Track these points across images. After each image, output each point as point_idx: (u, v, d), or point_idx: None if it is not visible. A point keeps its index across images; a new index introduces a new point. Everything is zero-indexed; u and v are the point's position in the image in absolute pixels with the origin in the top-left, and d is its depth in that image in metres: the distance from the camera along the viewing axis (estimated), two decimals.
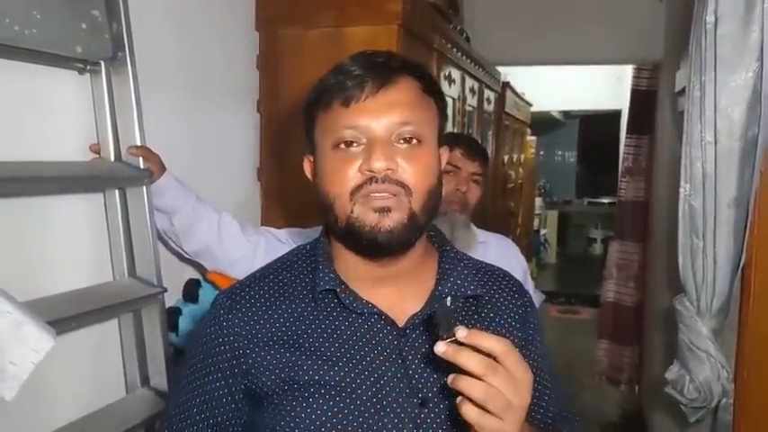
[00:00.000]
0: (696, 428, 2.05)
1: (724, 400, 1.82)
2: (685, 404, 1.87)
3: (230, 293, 0.90)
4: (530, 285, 1.82)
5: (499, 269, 0.99)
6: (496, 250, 1.75)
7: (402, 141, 0.81)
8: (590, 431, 3.35)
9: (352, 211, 0.80)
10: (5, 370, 0.51)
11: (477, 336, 0.68)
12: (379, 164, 0.78)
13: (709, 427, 1.96)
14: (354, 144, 0.81)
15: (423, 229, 0.85)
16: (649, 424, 3.24)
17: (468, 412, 0.67)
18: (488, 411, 0.67)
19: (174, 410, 0.91)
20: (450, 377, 0.69)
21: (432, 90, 0.86)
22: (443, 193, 1.68)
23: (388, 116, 0.80)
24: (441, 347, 0.68)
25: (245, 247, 1.51)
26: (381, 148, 0.79)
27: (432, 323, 0.78)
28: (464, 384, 0.67)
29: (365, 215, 0.80)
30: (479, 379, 0.67)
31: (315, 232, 0.98)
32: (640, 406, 3.66)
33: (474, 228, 1.77)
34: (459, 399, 0.69)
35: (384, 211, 0.79)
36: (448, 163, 1.62)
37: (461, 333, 0.67)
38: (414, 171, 0.80)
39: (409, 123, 0.81)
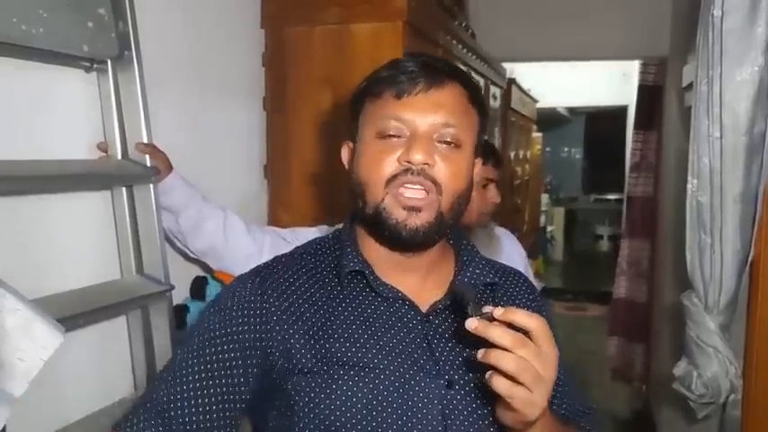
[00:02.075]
0: (704, 425, 2.04)
1: (732, 396, 1.82)
2: (693, 400, 1.86)
3: (257, 271, 0.90)
4: (530, 275, 1.89)
5: (512, 268, 1.03)
6: (505, 246, 1.81)
7: (442, 142, 0.84)
8: (604, 427, 3.35)
9: (382, 200, 0.83)
10: (15, 367, 0.51)
11: (512, 312, 0.71)
12: (418, 156, 0.80)
13: (717, 424, 1.95)
14: (397, 137, 0.83)
15: (447, 229, 0.87)
16: (657, 421, 3.23)
17: (500, 384, 0.70)
18: (518, 383, 0.70)
19: (172, 373, 0.84)
20: (480, 351, 0.71)
21: (476, 100, 0.89)
22: (480, 207, 1.78)
23: (434, 115, 0.83)
24: (473, 323, 0.71)
25: (251, 246, 1.52)
26: (422, 143, 0.82)
27: (456, 304, 0.82)
28: (496, 356, 0.70)
29: (393, 209, 0.82)
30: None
31: (319, 231, 1.00)
32: (648, 403, 3.65)
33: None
34: (489, 373, 0.71)
35: (414, 210, 0.82)
36: (484, 177, 1.72)
37: (498, 312, 0.71)
38: (449, 172, 0.83)
39: (452, 126, 0.84)
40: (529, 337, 0.71)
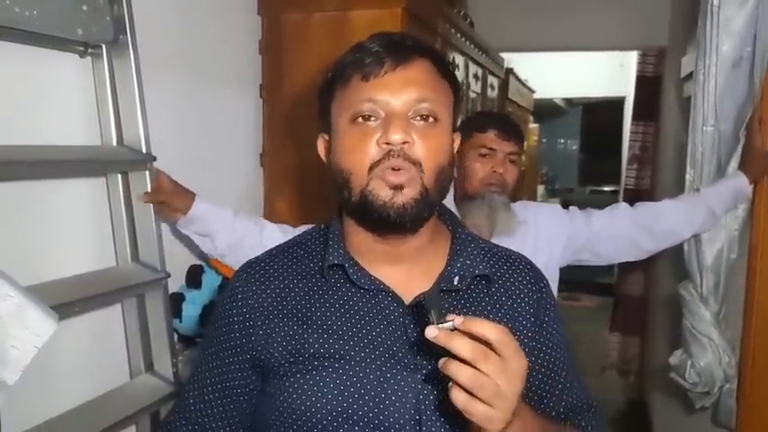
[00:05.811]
0: (699, 415, 2.05)
1: (727, 386, 1.82)
2: (689, 389, 1.86)
3: (246, 267, 0.93)
4: (575, 218, 1.80)
5: (515, 253, 0.97)
6: (530, 221, 1.69)
7: (419, 118, 0.82)
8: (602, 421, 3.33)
9: (367, 185, 0.81)
10: (8, 354, 0.50)
11: (471, 322, 0.67)
12: (396, 136, 0.79)
13: (711, 414, 1.96)
14: (372, 118, 0.82)
15: (434, 206, 0.85)
16: (652, 411, 3.24)
17: (457, 397, 0.67)
18: (477, 397, 0.66)
19: (192, 376, 0.95)
20: (441, 361, 0.67)
21: (446, 73, 0.87)
22: (481, 176, 1.62)
23: (406, 92, 0.81)
24: (432, 331, 0.67)
25: None
26: (399, 122, 0.80)
27: (422, 310, 0.78)
28: (453, 369, 0.66)
29: (380, 189, 0.80)
30: (470, 364, 0.65)
31: None
32: (642, 393, 3.66)
33: (513, 208, 1.70)
34: (450, 384, 0.68)
35: (398, 188, 0.80)
36: (482, 145, 1.61)
37: (458, 321, 0.67)
38: (427, 148, 0.81)
39: (426, 100, 0.82)
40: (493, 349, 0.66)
